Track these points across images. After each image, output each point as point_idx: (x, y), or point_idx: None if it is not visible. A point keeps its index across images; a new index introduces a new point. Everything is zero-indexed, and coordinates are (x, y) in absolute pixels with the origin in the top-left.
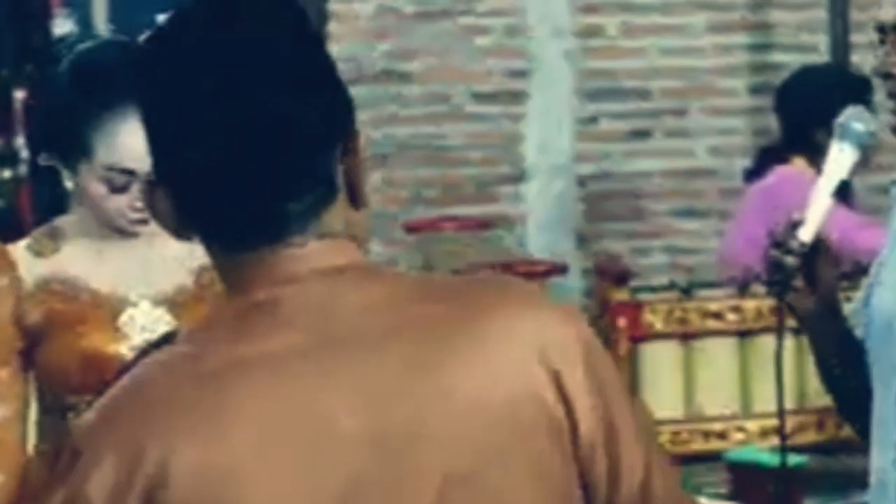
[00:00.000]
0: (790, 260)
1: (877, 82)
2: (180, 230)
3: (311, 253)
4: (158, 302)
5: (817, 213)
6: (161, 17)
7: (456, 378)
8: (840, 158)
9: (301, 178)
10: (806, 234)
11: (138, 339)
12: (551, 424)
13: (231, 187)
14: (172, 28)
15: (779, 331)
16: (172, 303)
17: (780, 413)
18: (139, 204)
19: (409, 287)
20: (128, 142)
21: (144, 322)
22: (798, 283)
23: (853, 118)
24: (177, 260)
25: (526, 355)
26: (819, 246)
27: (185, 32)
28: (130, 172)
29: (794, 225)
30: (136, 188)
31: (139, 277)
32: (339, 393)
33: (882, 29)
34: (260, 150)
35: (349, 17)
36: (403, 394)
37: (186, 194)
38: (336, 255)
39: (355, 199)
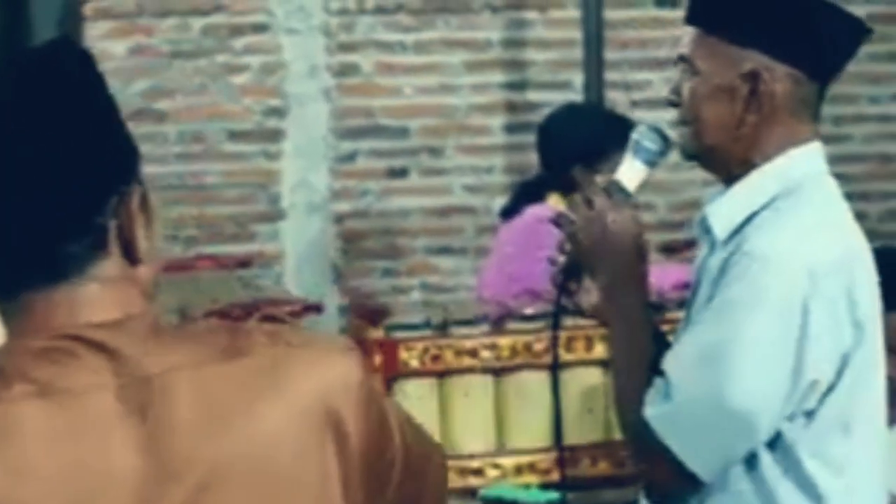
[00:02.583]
0: (561, 260)
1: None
2: None
3: (89, 299)
4: None
5: None
6: None
7: (246, 431)
8: (630, 173)
9: (67, 225)
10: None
11: None
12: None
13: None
14: None
15: (553, 340)
16: None
17: (557, 418)
18: None
19: (193, 339)
20: None
21: None
22: (576, 286)
23: (646, 137)
24: None
25: (310, 404)
26: None
27: None
28: None
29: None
30: None
31: None
32: (127, 436)
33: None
34: (19, 193)
35: (104, 55)
36: (193, 446)
37: None
38: (116, 302)
39: (130, 255)
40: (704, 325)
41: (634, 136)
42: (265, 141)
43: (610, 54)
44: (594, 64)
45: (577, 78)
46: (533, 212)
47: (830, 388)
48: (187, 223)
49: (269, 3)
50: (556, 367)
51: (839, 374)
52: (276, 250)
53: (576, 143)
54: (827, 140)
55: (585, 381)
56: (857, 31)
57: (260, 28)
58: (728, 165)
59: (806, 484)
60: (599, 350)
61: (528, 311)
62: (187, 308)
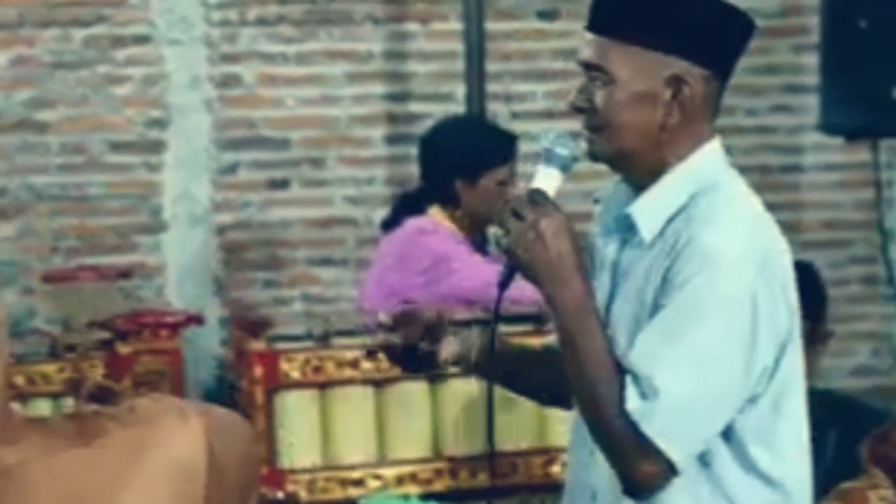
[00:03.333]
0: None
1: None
2: None
3: None
4: None
5: None
6: None
7: None
8: (547, 180)
9: None
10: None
11: None
12: None
13: None
14: None
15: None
16: None
17: (490, 426)
18: None
19: (44, 427)
20: None
21: None
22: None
23: (557, 144)
24: None
25: (164, 489)
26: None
27: None
28: None
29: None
30: None
31: None
32: None
33: (582, 66)
34: None
35: None
36: None
37: None
38: None
39: None
40: (669, 325)
41: (545, 144)
42: (147, 152)
43: (491, 66)
44: (475, 76)
45: (459, 90)
46: (413, 224)
47: (772, 373)
48: (69, 234)
49: (151, 14)
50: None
51: (777, 360)
52: (157, 262)
53: (456, 156)
54: None
55: (465, 392)
56: (749, 27)
57: (142, 39)
58: (643, 168)
59: (751, 467)
60: None
61: None
62: (70, 319)
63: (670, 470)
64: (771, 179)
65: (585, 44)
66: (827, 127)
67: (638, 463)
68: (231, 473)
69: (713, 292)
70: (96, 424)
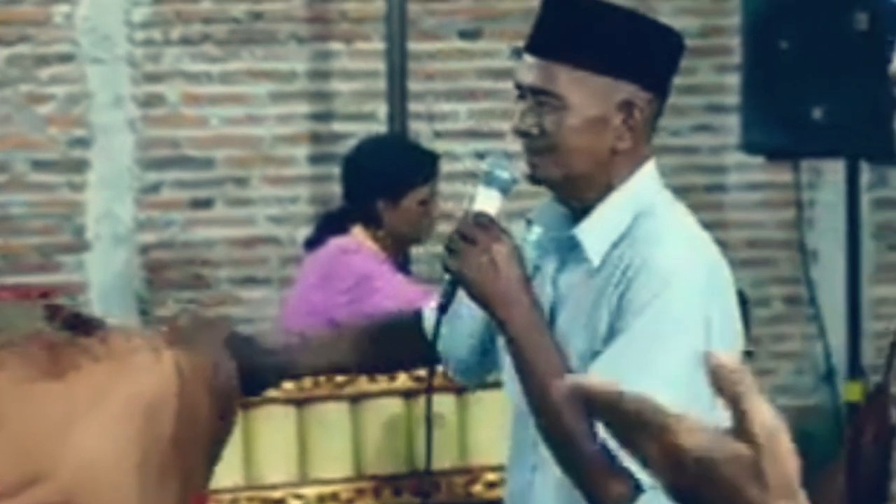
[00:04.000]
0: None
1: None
2: None
3: None
4: None
5: None
6: None
7: (72, 455)
8: (487, 203)
9: None
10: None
11: None
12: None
13: None
14: None
15: (430, 373)
16: None
17: (429, 444)
18: None
19: (17, 356)
20: None
21: None
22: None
23: (497, 166)
24: None
25: (132, 426)
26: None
27: None
28: None
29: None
30: None
31: None
32: None
33: (521, 90)
34: None
35: None
36: (24, 469)
37: None
38: None
39: None
40: (633, 350)
41: (485, 167)
42: (70, 171)
43: (414, 85)
44: (398, 95)
45: (382, 109)
46: (336, 243)
47: None
48: None
49: (75, 34)
50: (430, 390)
51: None
52: (80, 281)
53: (378, 176)
54: None
55: (388, 411)
56: (681, 47)
57: (65, 58)
58: (588, 191)
59: None
60: (402, 380)
61: None
62: None
63: (636, 489)
64: (694, 199)
65: (527, 67)
66: (748, 146)
67: (608, 484)
68: (203, 407)
69: (669, 316)
70: (70, 357)
